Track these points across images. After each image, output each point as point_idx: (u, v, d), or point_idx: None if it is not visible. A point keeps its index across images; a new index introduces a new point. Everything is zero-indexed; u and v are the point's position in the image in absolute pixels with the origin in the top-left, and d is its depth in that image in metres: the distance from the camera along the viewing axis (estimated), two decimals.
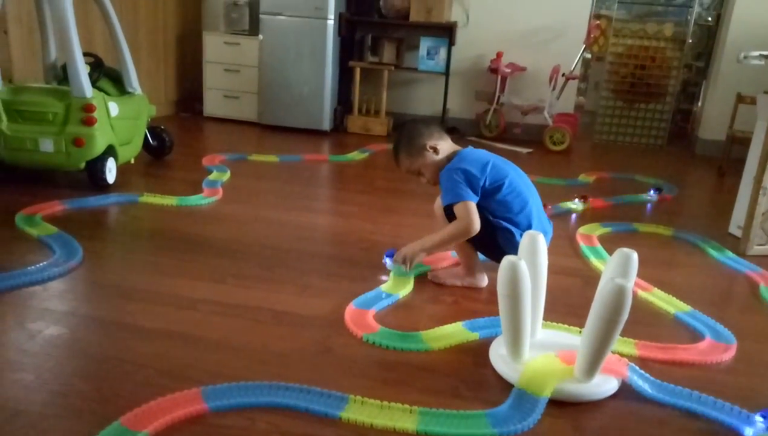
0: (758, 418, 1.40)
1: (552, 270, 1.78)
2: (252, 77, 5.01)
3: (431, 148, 2.12)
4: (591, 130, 5.90)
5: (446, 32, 5.09)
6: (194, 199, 2.92)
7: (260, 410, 1.38)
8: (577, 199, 3.29)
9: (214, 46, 5.05)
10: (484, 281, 2.17)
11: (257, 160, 3.87)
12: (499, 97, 5.22)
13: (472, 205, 2.00)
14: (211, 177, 3.33)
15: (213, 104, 5.19)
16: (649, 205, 3.51)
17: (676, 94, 5.80)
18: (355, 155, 4.24)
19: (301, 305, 1.93)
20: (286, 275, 2.16)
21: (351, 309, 1.90)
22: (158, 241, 2.44)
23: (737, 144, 4.38)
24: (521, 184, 2.11)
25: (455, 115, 5.50)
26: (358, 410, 1.40)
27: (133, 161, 3.37)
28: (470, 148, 2.18)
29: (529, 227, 2.04)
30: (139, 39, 4.75)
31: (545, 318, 1.82)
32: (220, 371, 1.52)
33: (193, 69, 5.33)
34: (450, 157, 2.13)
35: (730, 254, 2.69)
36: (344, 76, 5.21)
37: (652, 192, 3.64)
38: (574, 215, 3.17)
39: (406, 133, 2.17)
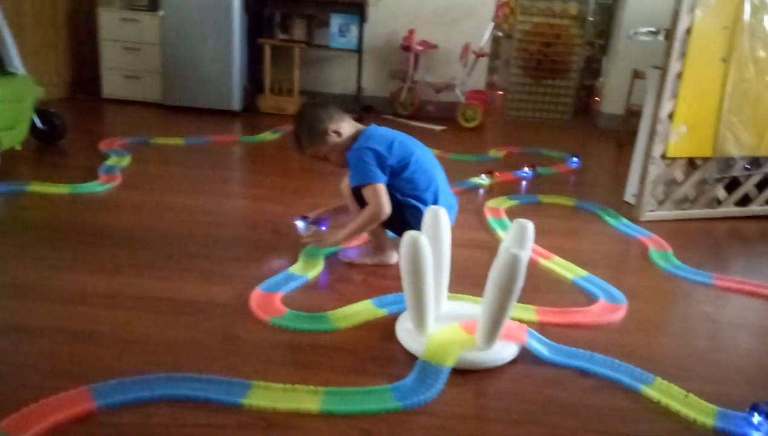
0: (756, 417, 1.38)
1: (460, 243, 1.82)
2: (154, 56, 4.77)
3: (333, 132, 2.08)
4: (501, 107, 6.04)
5: (357, 9, 5.04)
6: (89, 187, 2.76)
7: (156, 404, 1.33)
8: (483, 175, 3.36)
9: (111, 22, 4.76)
10: (393, 257, 2.18)
11: (161, 144, 3.71)
12: (412, 75, 5.24)
13: (382, 188, 1.99)
14: (109, 162, 3.16)
15: (112, 85, 4.91)
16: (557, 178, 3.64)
17: (579, 70, 6.02)
18: (267, 136, 4.15)
19: (204, 293, 1.87)
20: (189, 262, 2.08)
21: (257, 293, 1.86)
22: (49, 233, 2.29)
23: (634, 117, 4.60)
24: (427, 161, 2.13)
25: (370, 94, 5.48)
26: (261, 396, 1.38)
27: (19, 147, 3.13)
28: (373, 125, 2.16)
29: (436, 203, 2.06)
30: (23, 13, 4.39)
31: (452, 290, 1.86)
32: (114, 366, 1.45)
33: (89, 47, 5.01)
34: (354, 137, 2.09)
35: (625, 220, 2.84)
36: (254, 54, 5.05)
37: (573, 160, 3.92)
38: (482, 190, 3.24)
39: (305, 120, 2.10)
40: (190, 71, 4.70)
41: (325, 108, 2.11)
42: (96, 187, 2.78)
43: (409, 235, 1.51)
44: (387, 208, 1.99)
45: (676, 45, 2.60)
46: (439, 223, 1.72)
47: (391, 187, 2.03)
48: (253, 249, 2.24)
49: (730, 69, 2.68)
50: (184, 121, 4.47)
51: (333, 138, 2.08)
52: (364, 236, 2.30)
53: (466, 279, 2.01)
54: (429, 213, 1.73)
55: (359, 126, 2.16)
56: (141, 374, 1.41)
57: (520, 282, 1.45)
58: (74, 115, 4.17)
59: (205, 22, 4.60)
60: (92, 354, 1.51)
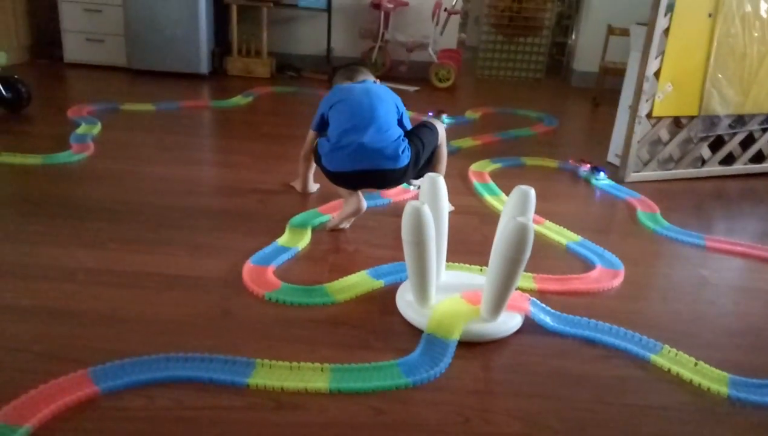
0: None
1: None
2: (116, 17, 4.52)
3: None
4: (474, 66, 5.96)
5: None
6: (62, 157, 2.63)
7: (159, 386, 1.28)
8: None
9: None
10: (351, 204, 2.11)
11: (131, 110, 3.54)
12: (383, 34, 5.11)
13: (309, 134, 2.29)
14: (80, 131, 3.01)
15: (74, 49, 4.66)
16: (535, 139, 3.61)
17: (551, 27, 5.96)
18: (239, 100, 4.00)
19: (194, 267, 1.80)
20: (175, 234, 2.00)
21: (249, 267, 1.80)
22: (24, 206, 2.16)
23: (609, 75, 4.60)
24: (347, 107, 2.11)
25: (340, 54, 5.33)
26: (267, 375, 1.33)
27: None
28: (337, 85, 2.24)
29: (337, 143, 2.05)
30: None
31: (446, 259, 1.82)
32: (110, 347, 1.39)
33: (47, 8, 4.73)
34: None
35: (610, 181, 2.84)
36: (220, 15, 4.85)
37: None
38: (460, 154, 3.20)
39: None
40: (154, 34, 4.48)
41: (338, 73, 2.36)
42: (69, 157, 2.64)
43: (411, 205, 1.47)
44: (304, 149, 2.33)
45: (663, 0, 2.56)
46: (437, 191, 1.68)
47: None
48: (240, 219, 2.17)
49: (717, 24, 2.66)
50: (152, 86, 4.28)
51: None
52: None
53: (458, 246, 1.98)
54: (427, 181, 1.68)
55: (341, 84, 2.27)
56: (139, 355, 1.36)
57: (528, 252, 1.42)
58: (37, 82, 3.94)
59: None
60: (86, 335, 1.44)
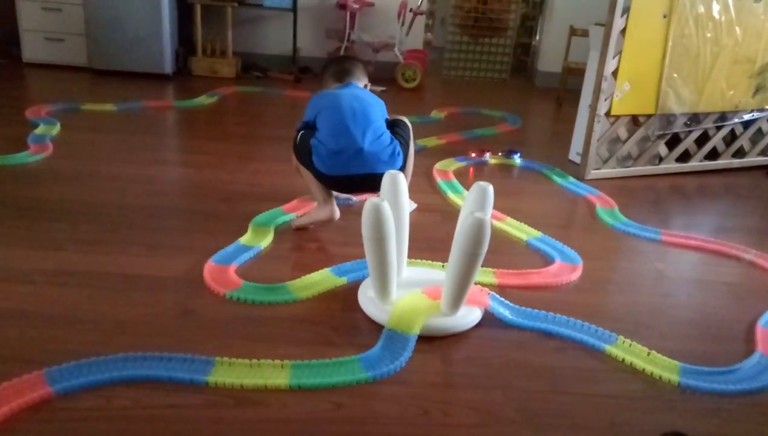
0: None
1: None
2: (77, 16, 4.44)
3: None
4: (440, 66, 6.01)
5: None
6: (19, 157, 2.58)
7: (116, 386, 1.27)
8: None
9: None
10: (325, 212, 2.12)
11: (92, 110, 3.49)
12: (349, 34, 5.12)
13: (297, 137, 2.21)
14: (38, 131, 2.95)
15: (33, 48, 4.56)
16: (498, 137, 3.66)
17: (516, 28, 6.04)
18: (203, 100, 3.97)
19: (155, 266, 1.78)
20: (135, 234, 1.98)
21: (210, 266, 1.79)
22: None
23: (572, 75, 4.68)
24: (332, 115, 2.10)
25: (307, 55, 5.32)
26: (226, 372, 1.33)
27: None
28: (322, 92, 2.22)
29: (336, 145, 2.05)
30: None
31: (408, 255, 1.84)
32: (66, 348, 1.37)
33: (5, 8, 4.62)
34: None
35: (571, 179, 2.90)
36: (184, 14, 4.80)
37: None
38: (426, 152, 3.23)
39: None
40: (116, 33, 4.42)
41: (329, 70, 2.34)
42: (26, 157, 2.59)
43: (371, 202, 1.48)
44: (294, 160, 2.22)
45: (619, 1, 2.62)
46: (397, 187, 1.69)
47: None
48: (201, 219, 2.16)
49: (671, 25, 2.74)
50: (114, 86, 4.22)
51: None
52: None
53: (420, 243, 2.00)
54: (387, 178, 1.70)
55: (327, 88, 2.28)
56: (97, 355, 1.34)
57: (485, 246, 1.44)
58: None
59: None
60: (43, 336, 1.42)
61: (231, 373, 1.33)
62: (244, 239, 1.98)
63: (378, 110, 2.17)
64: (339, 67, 2.34)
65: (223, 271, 1.77)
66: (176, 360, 1.35)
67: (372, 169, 2.05)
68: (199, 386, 1.29)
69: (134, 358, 1.34)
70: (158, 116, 3.57)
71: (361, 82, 2.31)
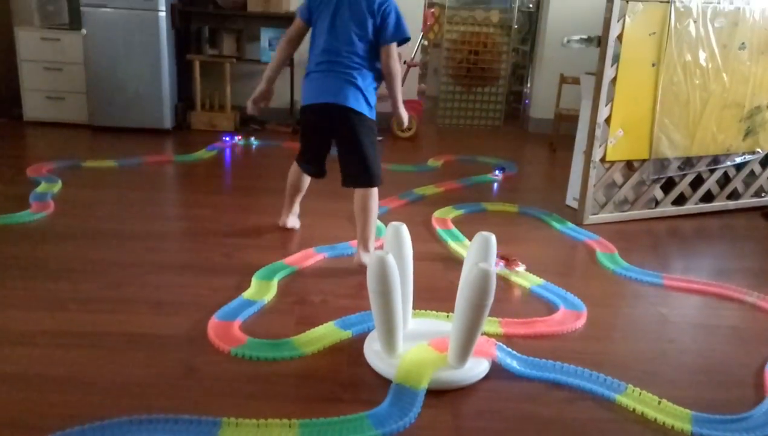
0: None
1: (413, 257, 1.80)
2: (77, 75, 4.53)
3: None
4: (434, 115, 6.11)
5: (286, 22, 4.93)
6: (21, 217, 2.58)
7: None
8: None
9: (30, 42, 4.48)
10: (288, 221, 2.57)
11: (92, 167, 3.51)
12: None
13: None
14: (39, 189, 2.97)
15: (34, 107, 4.62)
16: (495, 185, 3.70)
17: (507, 76, 6.17)
18: (203, 154, 4.01)
19: (158, 325, 1.77)
20: (137, 292, 1.98)
21: (214, 322, 1.78)
22: None
23: (564, 121, 4.77)
24: (322, 24, 2.21)
25: None
26: (233, 433, 1.31)
27: None
28: None
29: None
30: None
31: (412, 306, 1.83)
32: (69, 412, 1.35)
33: (6, 68, 4.71)
34: None
35: (569, 224, 2.92)
36: (183, 71, 4.90)
37: (497, 172, 3.84)
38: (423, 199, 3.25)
39: None
40: (117, 90, 4.50)
41: None
42: (28, 216, 2.60)
43: (376, 254, 1.48)
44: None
45: (609, 51, 2.70)
46: (401, 238, 1.71)
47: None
48: (203, 274, 2.15)
49: (660, 73, 2.81)
50: (114, 143, 4.26)
51: None
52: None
53: (424, 293, 1.99)
54: (390, 230, 1.71)
55: None
56: (101, 418, 1.32)
57: (491, 297, 1.44)
58: None
59: (131, 40, 4.42)
60: (46, 400, 1.40)
61: (238, 434, 1.31)
62: (247, 294, 1.98)
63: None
64: None
65: (227, 327, 1.76)
66: (182, 422, 1.33)
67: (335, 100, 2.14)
68: None
69: (139, 421, 1.32)
70: (158, 171, 3.61)
71: None
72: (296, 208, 2.65)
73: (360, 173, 2.22)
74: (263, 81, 2.42)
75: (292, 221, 2.66)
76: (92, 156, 3.72)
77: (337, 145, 2.29)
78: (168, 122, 4.63)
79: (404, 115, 2.43)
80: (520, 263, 2.30)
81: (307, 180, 2.51)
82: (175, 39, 4.70)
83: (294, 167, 2.51)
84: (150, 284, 2.04)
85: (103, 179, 3.32)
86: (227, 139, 4.22)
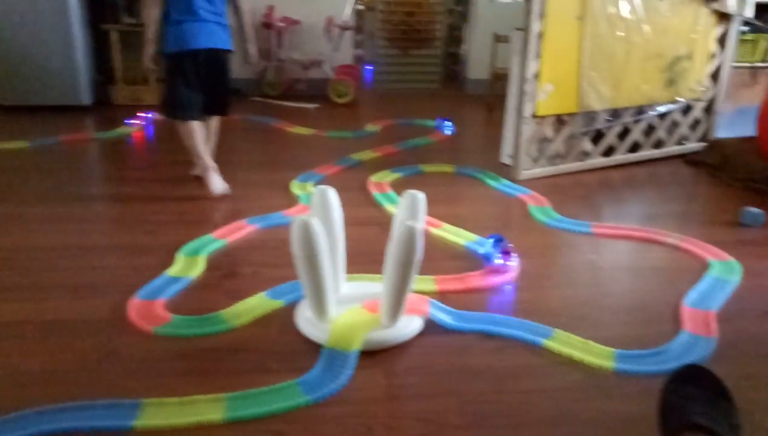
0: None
1: (350, 222, 1.76)
2: None
3: None
4: (372, 80, 6.03)
5: None
6: None
7: None
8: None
9: None
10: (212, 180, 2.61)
11: (1, 149, 3.29)
12: (277, 53, 5.06)
13: None
14: None
15: None
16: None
17: (443, 38, 6.13)
18: (125, 129, 3.82)
19: (75, 310, 1.67)
20: (54, 277, 1.86)
21: (136, 302, 1.69)
22: None
23: (500, 80, 4.76)
24: None
25: (234, 76, 5.20)
26: (155, 414, 1.25)
27: None
28: None
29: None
30: None
31: (349, 270, 1.79)
32: None
33: None
34: None
35: (504, 181, 2.92)
36: (100, 42, 4.62)
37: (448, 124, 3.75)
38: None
39: None
40: (25, 66, 4.18)
41: None
42: None
43: (299, 219, 1.43)
44: None
45: (535, 6, 2.68)
46: (328, 203, 1.65)
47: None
48: (125, 255, 2.05)
49: (585, 26, 2.81)
50: (26, 122, 4.00)
51: None
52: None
53: (361, 257, 1.95)
54: (317, 194, 1.65)
55: None
56: (7, 412, 1.23)
57: (419, 254, 1.41)
58: None
59: (36, 11, 4.10)
60: None
61: (160, 414, 1.25)
62: (172, 271, 1.89)
63: None
64: None
65: (149, 306, 1.67)
66: (99, 408, 1.25)
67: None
68: (125, 432, 1.21)
69: (50, 411, 1.23)
70: (77, 150, 3.41)
71: None
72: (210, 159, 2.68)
73: (228, 103, 2.80)
74: (153, 42, 2.63)
75: (217, 181, 2.63)
76: (1, 137, 3.48)
77: (207, 83, 2.64)
78: (87, 98, 4.37)
79: (253, 50, 2.99)
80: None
81: (203, 127, 2.70)
82: (88, 8, 4.41)
83: (186, 127, 2.62)
84: (67, 267, 1.93)
85: (15, 162, 3.11)
86: (149, 115, 4.02)
